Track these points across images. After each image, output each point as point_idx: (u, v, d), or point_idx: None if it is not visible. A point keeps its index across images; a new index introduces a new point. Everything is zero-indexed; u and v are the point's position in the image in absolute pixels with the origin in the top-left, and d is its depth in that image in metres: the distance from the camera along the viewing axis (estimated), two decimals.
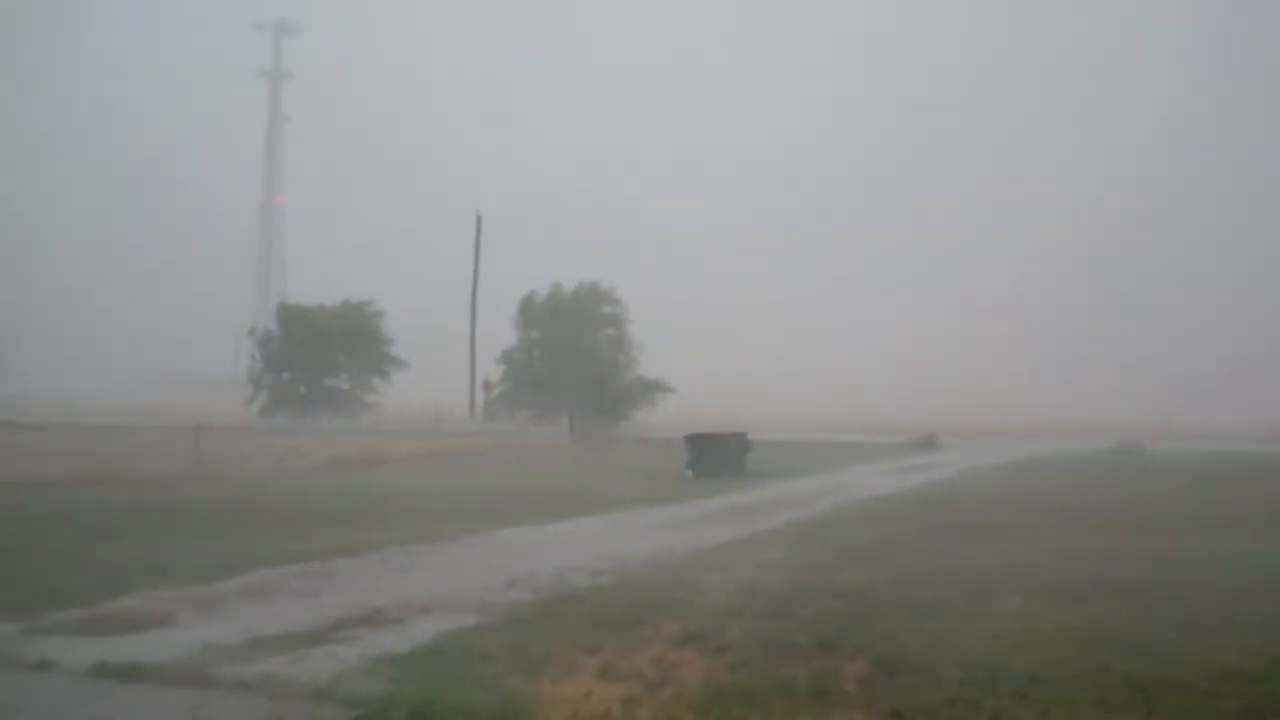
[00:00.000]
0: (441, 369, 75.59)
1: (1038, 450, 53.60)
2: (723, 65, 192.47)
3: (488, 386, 68.03)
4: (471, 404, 70.77)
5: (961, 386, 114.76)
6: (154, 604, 12.11)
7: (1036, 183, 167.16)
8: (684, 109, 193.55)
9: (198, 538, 17.31)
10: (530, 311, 64.45)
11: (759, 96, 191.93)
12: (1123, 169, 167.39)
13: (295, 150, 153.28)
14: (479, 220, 75.16)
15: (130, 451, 34.84)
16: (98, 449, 34.62)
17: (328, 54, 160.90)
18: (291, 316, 69.35)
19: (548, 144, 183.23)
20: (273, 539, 17.28)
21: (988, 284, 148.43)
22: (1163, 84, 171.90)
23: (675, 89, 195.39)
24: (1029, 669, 9.53)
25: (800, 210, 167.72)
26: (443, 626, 11.29)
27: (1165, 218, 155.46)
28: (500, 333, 66.62)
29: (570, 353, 61.63)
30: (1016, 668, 9.60)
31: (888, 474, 37.52)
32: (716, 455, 35.14)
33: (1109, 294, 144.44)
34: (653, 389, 63.25)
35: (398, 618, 11.80)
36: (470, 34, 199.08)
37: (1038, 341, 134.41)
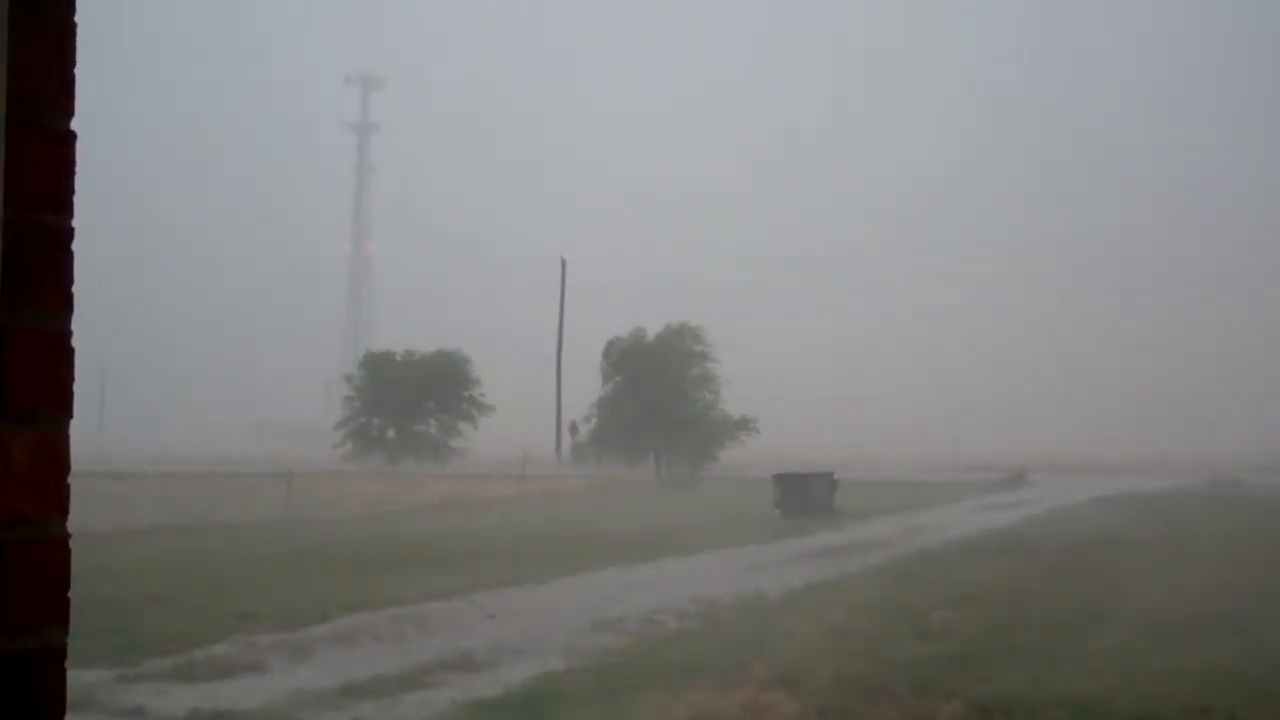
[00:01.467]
0: (528, 413, 75.96)
1: (1130, 486, 52.62)
2: (815, 98, 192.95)
3: (573, 429, 68.22)
4: (558, 446, 70.98)
5: (1052, 422, 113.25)
6: (246, 650, 12.20)
7: (1117, 213, 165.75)
8: (765, 137, 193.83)
9: (289, 583, 17.45)
10: (614, 356, 64.52)
11: (841, 126, 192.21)
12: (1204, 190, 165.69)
13: (382, 199, 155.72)
14: (563, 264, 75.67)
15: (222, 498, 35.26)
16: (190, 496, 35.08)
17: (412, 105, 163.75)
18: (380, 364, 70.27)
19: (630, 188, 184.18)
20: (363, 584, 17.37)
21: (1080, 316, 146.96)
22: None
23: (762, 119, 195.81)
24: (1129, 709, 9.31)
25: (885, 245, 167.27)
26: (533, 670, 11.26)
27: (1246, 240, 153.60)
28: (588, 377, 66.77)
29: (655, 393, 61.55)
30: (1117, 708, 9.38)
31: (978, 512, 37.00)
32: (804, 495, 34.88)
33: (1204, 321, 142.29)
34: (739, 428, 62.99)
35: (488, 662, 11.79)
36: (557, 83, 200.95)
37: (1132, 376, 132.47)
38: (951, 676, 10.59)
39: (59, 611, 1.18)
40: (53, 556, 1.19)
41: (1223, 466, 64.36)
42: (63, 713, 1.18)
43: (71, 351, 1.22)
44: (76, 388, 1.24)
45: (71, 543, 1.25)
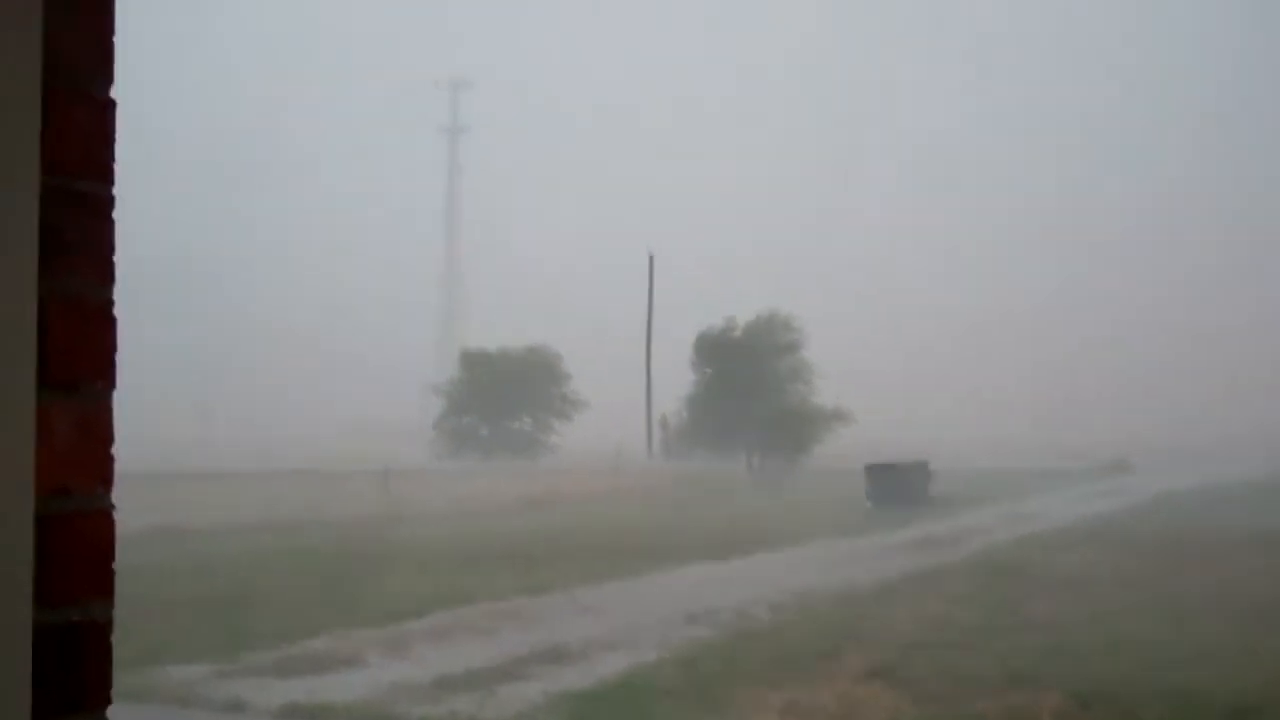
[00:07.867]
0: (620, 406, 76.12)
1: (1245, 471, 51.30)
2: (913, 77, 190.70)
3: (664, 423, 68.19)
4: (649, 442, 71.01)
5: (1155, 404, 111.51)
6: (343, 644, 12.33)
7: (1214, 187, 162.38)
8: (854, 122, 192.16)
9: (385, 580, 17.60)
10: (704, 349, 64.17)
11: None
12: None
13: (471, 199, 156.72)
14: (651, 259, 75.70)
15: (320, 496, 35.65)
16: (289, 494, 35.50)
17: (501, 107, 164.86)
18: (474, 362, 71.04)
19: (718, 177, 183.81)
20: (458, 579, 17.46)
21: (1180, 298, 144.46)
22: None
23: (848, 98, 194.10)
24: (1231, 700, 9.10)
25: (969, 229, 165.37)
26: (626, 663, 11.25)
27: None
28: (681, 368, 66.49)
29: (746, 387, 61.17)
30: (1218, 699, 9.17)
31: (1076, 501, 36.44)
32: (897, 485, 34.56)
33: None
34: (833, 419, 62.44)
35: (581, 654, 11.81)
36: (639, 79, 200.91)
37: (1234, 355, 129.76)
38: (1050, 668, 10.43)
39: (103, 584, 1.17)
40: (96, 529, 1.17)
41: None
42: (108, 687, 1.16)
43: (114, 321, 1.21)
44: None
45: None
